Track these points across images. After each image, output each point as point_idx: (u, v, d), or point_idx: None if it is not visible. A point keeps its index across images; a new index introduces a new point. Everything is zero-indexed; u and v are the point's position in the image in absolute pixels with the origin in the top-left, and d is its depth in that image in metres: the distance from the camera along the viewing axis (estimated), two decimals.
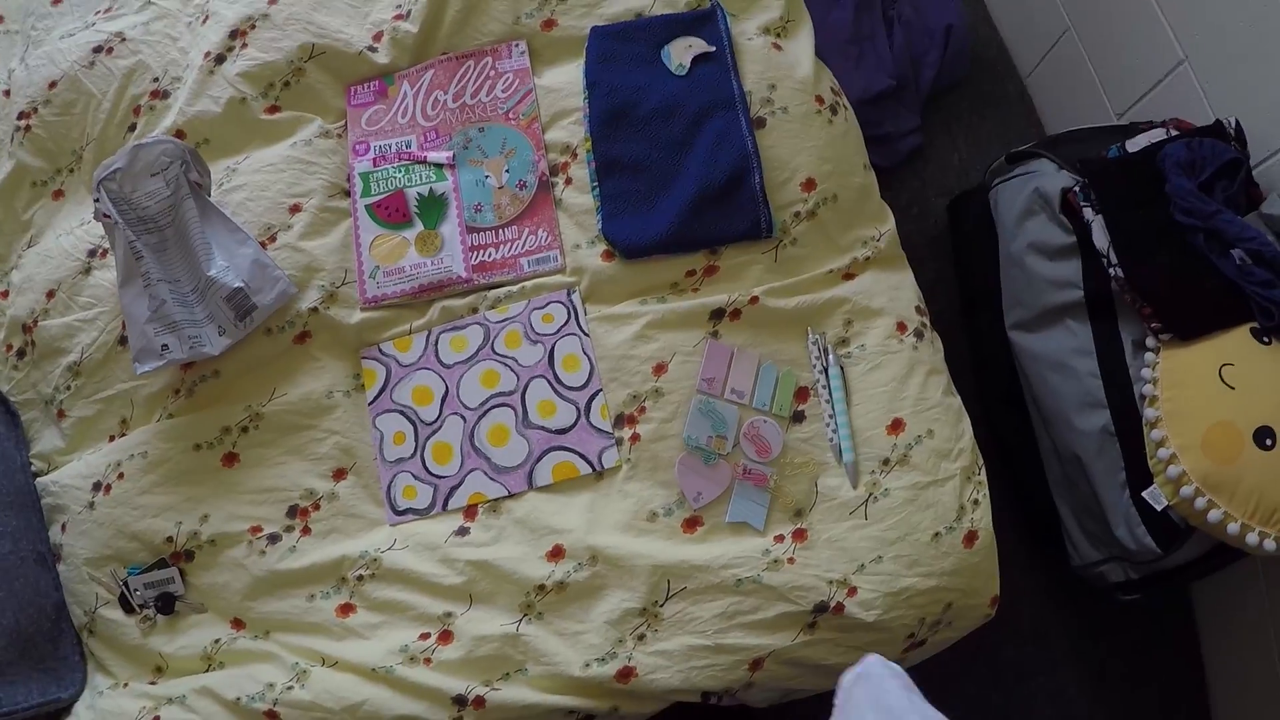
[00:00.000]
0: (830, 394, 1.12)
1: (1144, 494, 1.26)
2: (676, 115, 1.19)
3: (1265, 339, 1.23)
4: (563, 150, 1.24)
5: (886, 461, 1.10)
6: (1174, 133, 1.39)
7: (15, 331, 1.30)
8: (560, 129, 1.24)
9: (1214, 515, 1.18)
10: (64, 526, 1.21)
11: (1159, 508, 1.25)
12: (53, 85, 1.36)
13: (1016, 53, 1.88)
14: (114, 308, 1.24)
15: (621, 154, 1.18)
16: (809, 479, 1.10)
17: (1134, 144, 1.41)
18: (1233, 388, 1.22)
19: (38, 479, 1.25)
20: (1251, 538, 1.17)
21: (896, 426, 1.11)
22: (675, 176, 1.17)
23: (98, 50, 1.37)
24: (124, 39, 1.37)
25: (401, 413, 1.16)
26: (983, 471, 1.13)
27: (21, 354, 1.30)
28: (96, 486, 1.20)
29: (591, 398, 1.12)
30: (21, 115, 1.37)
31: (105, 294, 1.25)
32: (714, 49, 1.23)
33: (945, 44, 1.73)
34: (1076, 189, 1.35)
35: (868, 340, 1.15)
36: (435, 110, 1.26)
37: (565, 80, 1.26)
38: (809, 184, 1.19)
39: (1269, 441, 1.19)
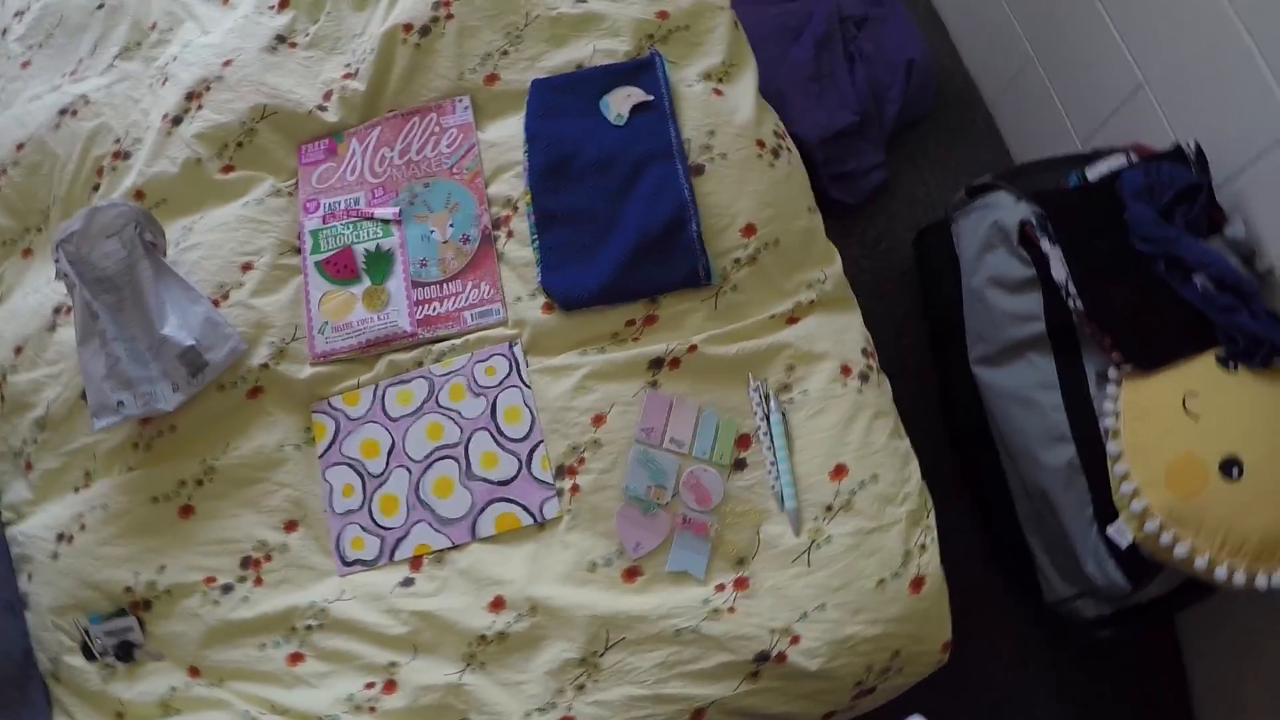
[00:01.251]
0: (772, 441, 1.12)
1: (1108, 530, 1.25)
2: (614, 166, 1.21)
3: (1230, 365, 1.21)
4: (505, 204, 1.25)
5: (829, 508, 1.09)
6: (1134, 158, 1.38)
7: None
8: (502, 182, 1.26)
9: (1180, 550, 1.16)
10: (30, 576, 1.24)
11: (1123, 544, 1.23)
12: (20, 147, 1.41)
13: (981, 83, 1.88)
14: (77, 364, 1.27)
15: (560, 206, 1.20)
16: (751, 527, 1.10)
17: (1094, 171, 1.40)
18: (1197, 417, 1.21)
19: (7, 529, 1.29)
20: (1220, 571, 1.15)
21: (839, 472, 1.11)
22: (613, 227, 1.18)
23: (63, 112, 1.41)
24: (88, 101, 1.41)
25: (350, 465, 1.17)
26: (931, 515, 1.12)
27: None
28: (60, 537, 1.23)
29: (533, 449, 1.13)
30: None
31: (69, 350, 1.28)
32: (652, 98, 1.24)
33: (908, 78, 1.74)
34: (1033, 220, 1.34)
35: (810, 385, 1.16)
36: (382, 167, 1.29)
37: (507, 134, 1.28)
38: (749, 229, 1.19)
39: (1235, 471, 1.17)
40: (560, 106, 1.25)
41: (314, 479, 1.18)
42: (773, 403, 1.14)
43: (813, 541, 1.08)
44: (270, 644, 1.14)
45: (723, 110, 1.25)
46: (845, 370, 1.16)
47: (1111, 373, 1.28)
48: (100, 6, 1.51)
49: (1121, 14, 1.45)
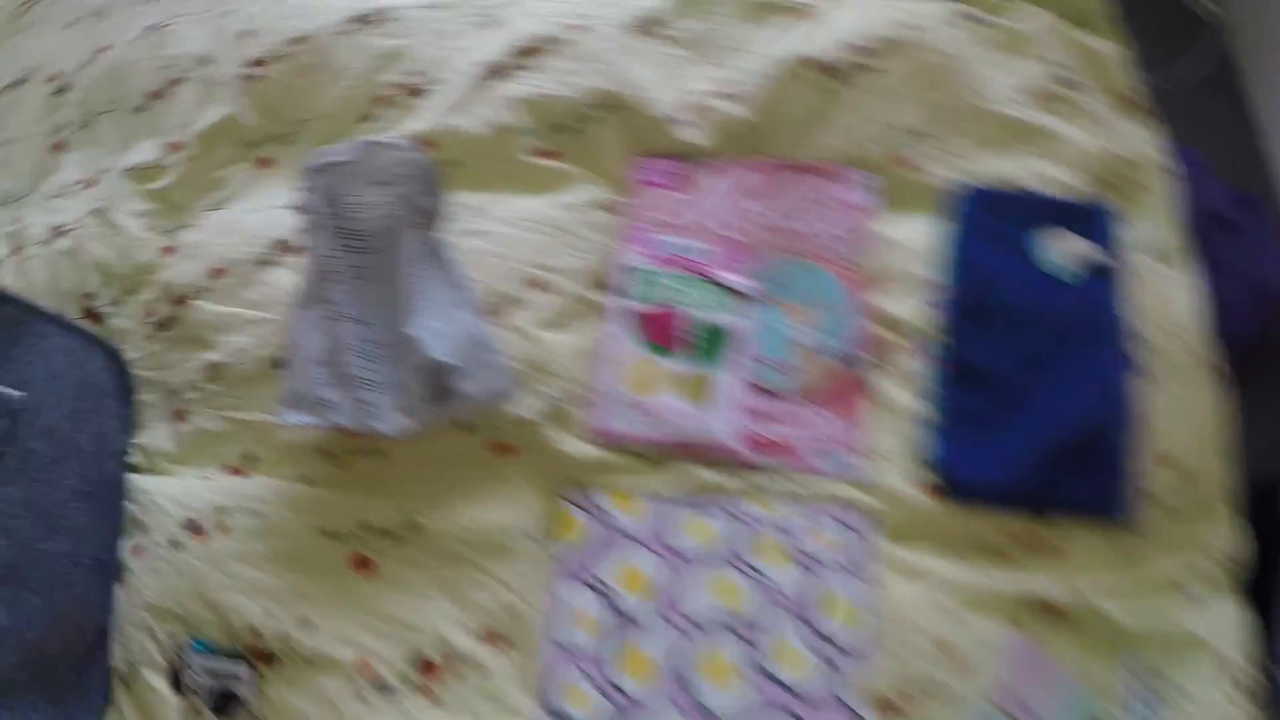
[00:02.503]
0: None
1: None
2: (1040, 326, 0.94)
3: None
4: (892, 326, 0.97)
5: None
6: None
7: (164, 298, 1.07)
8: (895, 299, 0.98)
9: None
10: (137, 549, 0.96)
11: None
12: (298, 41, 1.15)
13: None
14: (282, 320, 1.01)
15: (980, 361, 0.92)
16: None
17: None
18: None
19: (131, 474, 1.02)
20: None
21: None
22: (1030, 408, 0.91)
23: (359, 20, 1.15)
24: (391, 18, 1.15)
25: (597, 590, 0.89)
26: None
27: (162, 326, 1.07)
28: (191, 525, 0.95)
29: (854, 665, 0.85)
30: (254, 62, 1.16)
31: (278, 296, 1.02)
32: (1103, 258, 0.97)
33: (1264, 303, 1.46)
34: None
35: (1194, 688, 0.87)
36: (745, 222, 1.01)
37: (912, 236, 1.00)
38: (1173, 463, 0.92)
39: None
40: (992, 230, 0.98)
41: (544, 588, 0.90)
42: (1152, 700, 0.86)
43: None
44: None
45: (1173, 301, 0.98)
46: (1235, 681, 0.88)
47: None
48: None
49: None
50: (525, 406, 0.93)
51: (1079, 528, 0.90)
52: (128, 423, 1.05)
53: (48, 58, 1.28)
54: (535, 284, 0.98)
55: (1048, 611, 0.87)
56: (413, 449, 0.93)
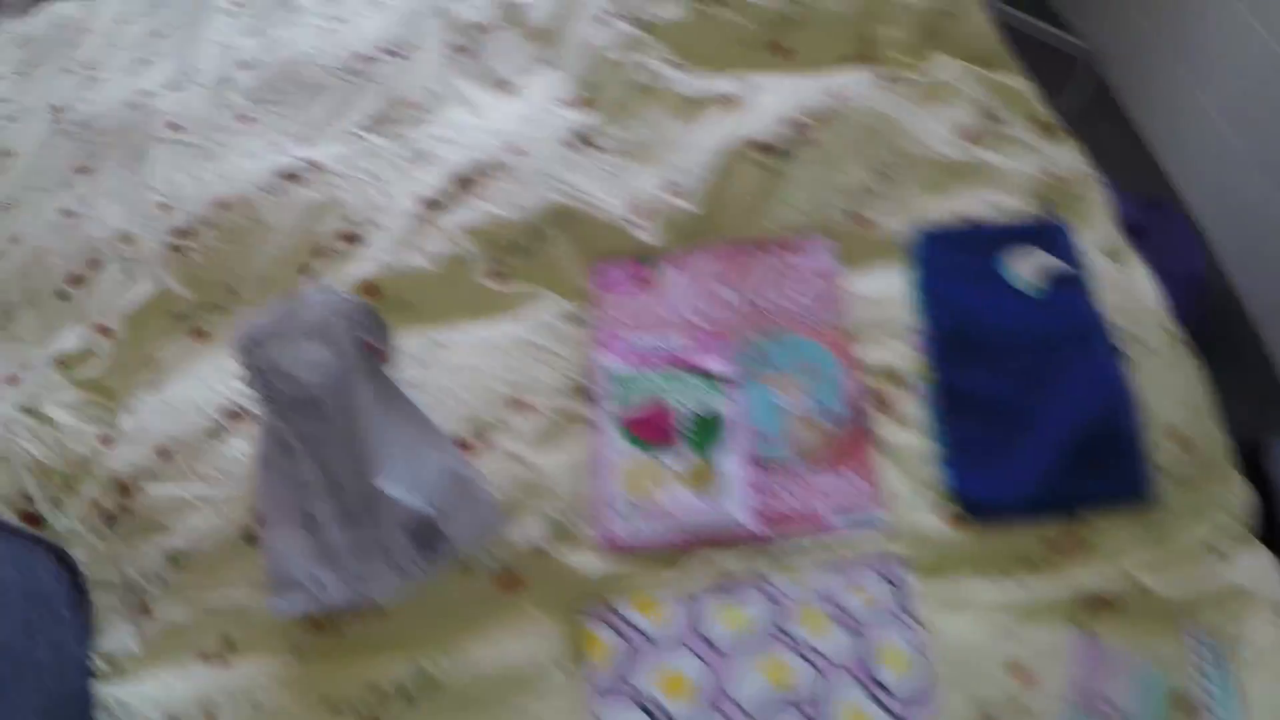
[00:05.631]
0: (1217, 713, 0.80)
1: None
2: (1027, 344, 0.96)
3: None
4: (885, 375, 0.97)
5: None
6: None
7: (110, 489, 1.00)
8: (881, 347, 0.98)
9: None
10: None
11: None
12: (222, 206, 1.14)
13: (1247, 300, 1.68)
14: (244, 491, 0.95)
15: (972, 388, 0.93)
16: None
17: None
18: None
19: (99, 685, 0.91)
20: None
21: None
22: (1032, 421, 0.91)
23: (285, 177, 1.15)
24: (320, 169, 1.15)
25: (643, 707, 0.82)
26: None
27: (111, 520, 0.98)
28: None
29: (924, 711, 0.79)
30: (177, 233, 1.13)
31: (236, 469, 0.96)
32: (1068, 267, 1.00)
33: (1188, 295, 1.52)
34: None
35: (1255, 635, 0.85)
36: (716, 309, 1.01)
37: (882, 288, 1.02)
38: (1177, 436, 0.92)
39: None
40: (955, 265, 1.00)
41: (585, 714, 0.83)
42: (1219, 658, 0.83)
43: None
44: None
45: (1133, 291, 1.01)
46: None
47: None
48: (353, 73, 1.29)
49: None
50: (526, 532, 0.88)
51: (1105, 518, 0.89)
52: (85, 630, 0.95)
53: None
54: (516, 405, 0.95)
55: (1099, 604, 0.85)
56: (411, 600, 0.87)
